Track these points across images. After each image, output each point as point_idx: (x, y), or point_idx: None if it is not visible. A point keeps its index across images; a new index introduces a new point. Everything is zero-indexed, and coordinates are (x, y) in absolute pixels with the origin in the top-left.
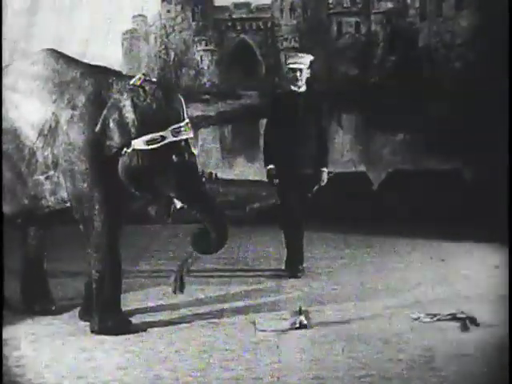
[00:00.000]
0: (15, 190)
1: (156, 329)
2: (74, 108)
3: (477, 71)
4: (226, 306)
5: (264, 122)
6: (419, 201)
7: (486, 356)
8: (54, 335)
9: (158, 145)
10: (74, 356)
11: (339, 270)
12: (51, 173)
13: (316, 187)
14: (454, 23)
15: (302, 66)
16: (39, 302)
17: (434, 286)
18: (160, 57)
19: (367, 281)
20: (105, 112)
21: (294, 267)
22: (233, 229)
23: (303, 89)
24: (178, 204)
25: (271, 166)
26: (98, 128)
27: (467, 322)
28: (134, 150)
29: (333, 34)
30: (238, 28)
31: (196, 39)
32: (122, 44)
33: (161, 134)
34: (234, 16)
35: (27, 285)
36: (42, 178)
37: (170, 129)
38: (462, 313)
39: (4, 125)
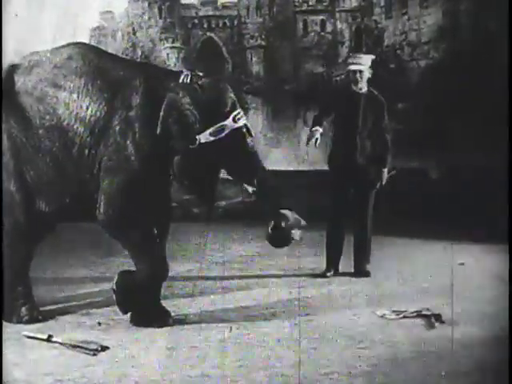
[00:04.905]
0: (56, 188)
1: (122, 327)
2: (128, 109)
3: (443, 69)
4: (192, 303)
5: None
6: (384, 198)
7: (450, 353)
8: (20, 333)
9: (223, 134)
10: (40, 353)
11: None
12: (95, 172)
13: (377, 186)
14: (420, 21)
15: (361, 68)
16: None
17: (399, 283)
18: (127, 54)
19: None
20: (162, 113)
21: (361, 267)
22: (199, 227)
23: (365, 90)
24: (250, 188)
25: (317, 128)
26: (158, 130)
27: (432, 319)
28: (199, 144)
29: (298, 32)
30: (205, 25)
31: (163, 36)
32: (90, 41)
33: (224, 123)
34: (200, 14)
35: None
36: (88, 176)
37: (230, 117)
38: (428, 310)
39: (50, 122)
